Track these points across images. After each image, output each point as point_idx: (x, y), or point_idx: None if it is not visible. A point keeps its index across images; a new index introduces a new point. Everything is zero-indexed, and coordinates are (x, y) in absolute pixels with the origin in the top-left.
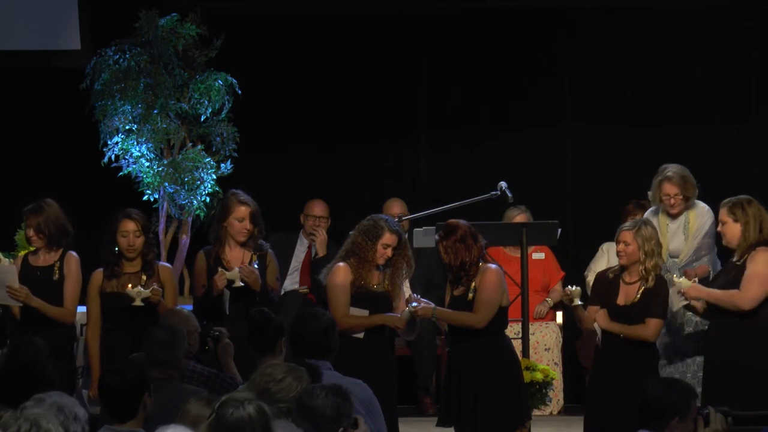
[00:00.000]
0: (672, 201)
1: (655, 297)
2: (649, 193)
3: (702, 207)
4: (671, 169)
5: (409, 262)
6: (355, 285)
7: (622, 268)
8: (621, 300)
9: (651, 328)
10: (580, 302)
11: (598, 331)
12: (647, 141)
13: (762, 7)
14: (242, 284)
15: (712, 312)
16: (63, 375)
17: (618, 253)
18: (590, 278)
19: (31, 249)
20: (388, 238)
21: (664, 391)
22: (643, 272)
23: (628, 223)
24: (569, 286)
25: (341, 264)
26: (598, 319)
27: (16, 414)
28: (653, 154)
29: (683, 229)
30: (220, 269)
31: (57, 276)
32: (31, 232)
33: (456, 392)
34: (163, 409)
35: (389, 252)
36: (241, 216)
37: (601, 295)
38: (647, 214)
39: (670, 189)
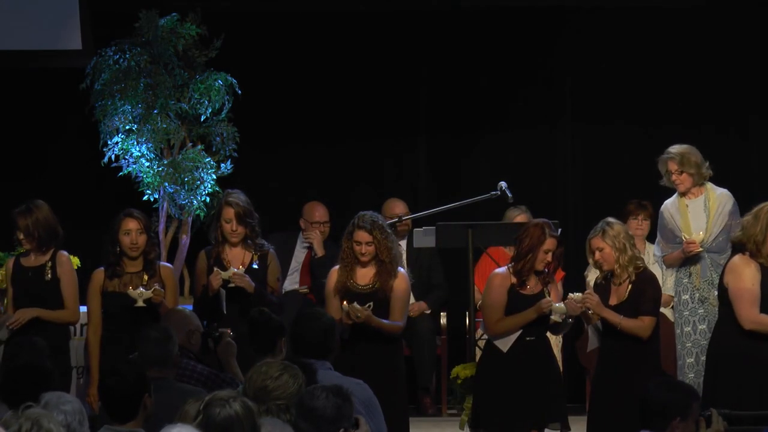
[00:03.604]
0: (673, 177)
1: (644, 295)
2: (663, 179)
3: (722, 190)
4: (673, 147)
5: (388, 253)
6: (342, 287)
7: (611, 272)
8: (613, 300)
9: (645, 325)
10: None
11: (594, 337)
12: (647, 141)
13: (762, 6)
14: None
15: None
16: (61, 374)
17: (597, 263)
18: (590, 278)
19: (21, 250)
20: (357, 235)
21: (665, 392)
22: (619, 269)
23: (592, 231)
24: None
25: (334, 268)
26: (595, 307)
27: (17, 413)
28: (653, 154)
29: (704, 208)
30: (215, 269)
31: (49, 276)
32: (21, 235)
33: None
34: (159, 408)
35: (363, 248)
36: (228, 217)
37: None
38: (663, 205)
39: (670, 165)
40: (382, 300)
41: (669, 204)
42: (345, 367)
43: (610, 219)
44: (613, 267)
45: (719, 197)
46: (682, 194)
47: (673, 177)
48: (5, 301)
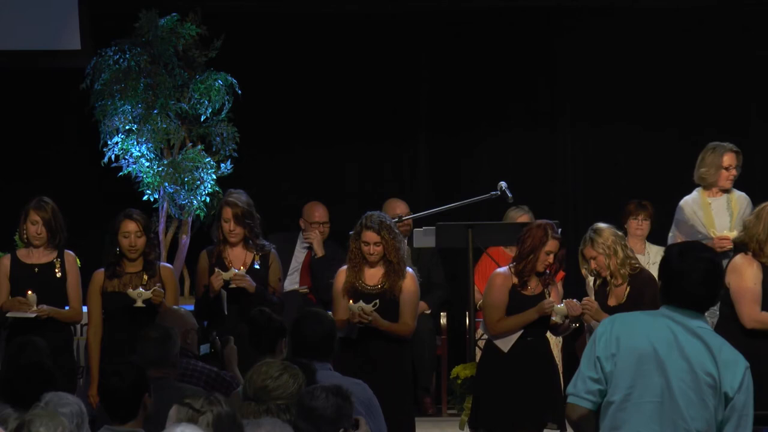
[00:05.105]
0: (730, 172)
1: (643, 297)
2: (702, 170)
3: (741, 192)
4: (726, 143)
5: (396, 254)
6: (351, 288)
7: (611, 276)
8: (612, 302)
9: None
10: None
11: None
12: (647, 141)
13: (763, 6)
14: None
15: None
16: (65, 373)
17: (593, 271)
18: (590, 279)
19: (22, 246)
20: (365, 235)
21: None
22: (614, 272)
23: (582, 242)
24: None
25: (342, 268)
26: (594, 313)
27: (14, 413)
28: (653, 155)
29: (726, 207)
30: (216, 270)
31: (59, 274)
32: (39, 228)
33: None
34: (159, 408)
35: (372, 249)
36: (226, 217)
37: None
38: (683, 201)
39: (733, 159)
40: (390, 300)
41: (690, 200)
42: (352, 366)
43: (597, 225)
44: (608, 272)
45: (739, 199)
46: (706, 190)
47: (731, 171)
48: None
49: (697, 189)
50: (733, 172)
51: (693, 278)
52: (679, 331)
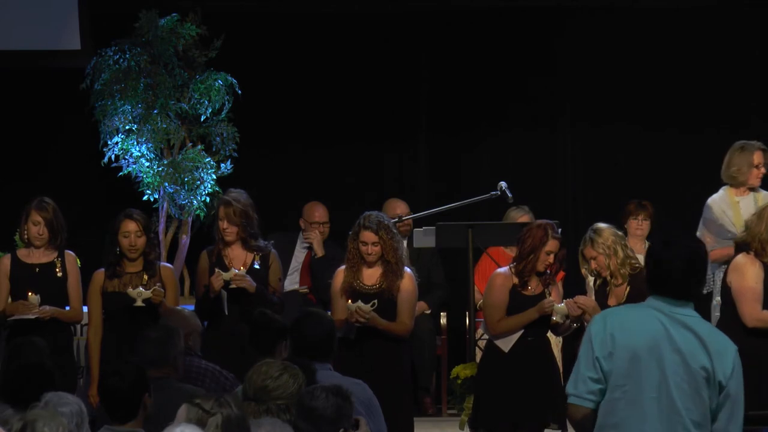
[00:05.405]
0: (760, 170)
1: (642, 296)
2: (733, 169)
3: (765, 191)
4: (755, 141)
5: (394, 254)
6: (349, 288)
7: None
8: (612, 301)
9: None
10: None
11: None
12: (647, 141)
13: (763, 7)
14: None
15: None
16: (65, 374)
17: (593, 271)
18: (590, 279)
19: (22, 246)
20: (363, 235)
21: None
22: (609, 275)
23: (582, 242)
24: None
25: (340, 268)
26: (592, 312)
27: (15, 413)
28: (653, 155)
29: (754, 206)
30: (217, 270)
31: (60, 274)
32: (41, 229)
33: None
34: (159, 408)
35: (369, 249)
36: (221, 215)
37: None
38: (711, 200)
39: (761, 157)
40: (388, 300)
41: (718, 199)
42: (351, 366)
43: (597, 225)
44: (608, 272)
45: (766, 198)
46: (734, 188)
47: (760, 169)
48: None
49: (723, 188)
50: (762, 170)
51: (677, 267)
52: (669, 323)
